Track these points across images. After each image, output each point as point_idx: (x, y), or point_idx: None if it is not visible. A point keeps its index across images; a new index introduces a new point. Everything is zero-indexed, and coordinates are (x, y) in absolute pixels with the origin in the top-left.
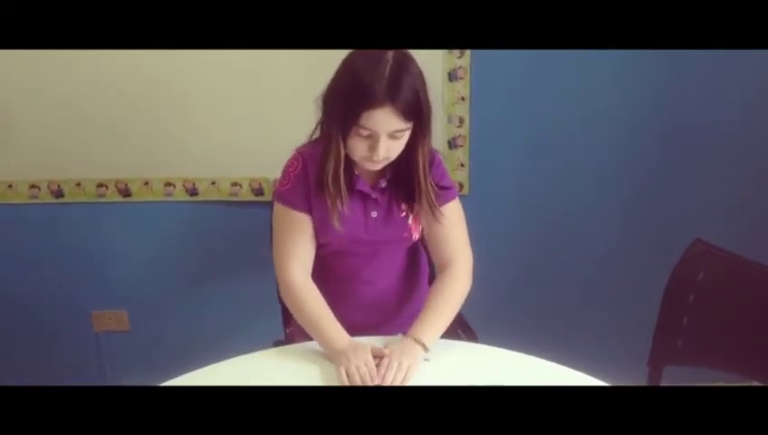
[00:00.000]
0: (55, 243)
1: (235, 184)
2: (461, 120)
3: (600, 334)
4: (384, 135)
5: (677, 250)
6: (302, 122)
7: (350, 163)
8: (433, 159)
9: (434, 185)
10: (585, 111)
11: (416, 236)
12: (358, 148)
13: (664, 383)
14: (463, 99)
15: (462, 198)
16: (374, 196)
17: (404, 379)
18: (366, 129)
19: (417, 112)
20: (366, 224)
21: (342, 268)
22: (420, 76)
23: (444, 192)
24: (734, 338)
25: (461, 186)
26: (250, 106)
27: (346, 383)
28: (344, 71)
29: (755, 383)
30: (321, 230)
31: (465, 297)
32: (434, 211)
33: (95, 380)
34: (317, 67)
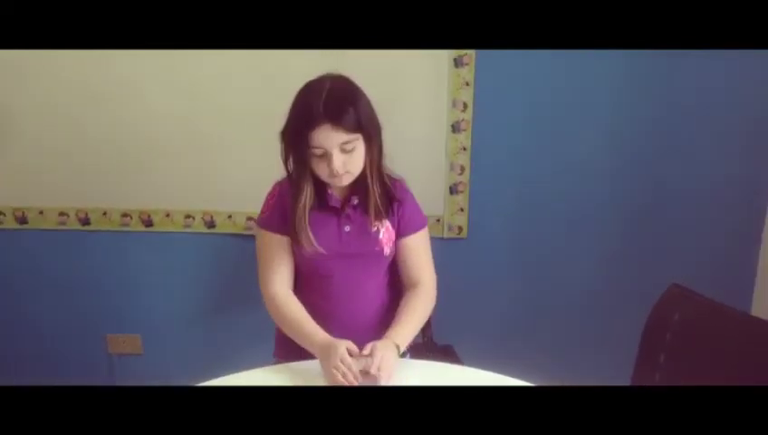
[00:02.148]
0: (80, 267)
1: (249, 218)
2: (462, 169)
3: (590, 372)
4: (335, 149)
5: (658, 294)
6: None
7: (324, 183)
8: (396, 183)
9: (381, 194)
10: (573, 163)
11: (387, 250)
12: (319, 167)
13: None
14: (464, 149)
15: (461, 240)
16: (347, 211)
17: (389, 375)
18: (317, 147)
19: (357, 123)
20: (340, 238)
21: (325, 286)
22: (356, 93)
23: (414, 219)
24: (709, 375)
25: (460, 229)
26: (265, 148)
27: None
28: (293, 104)
29: None
30: (300, 247)
31: (429, 312)
32: (382, 213)
33: None
34: None
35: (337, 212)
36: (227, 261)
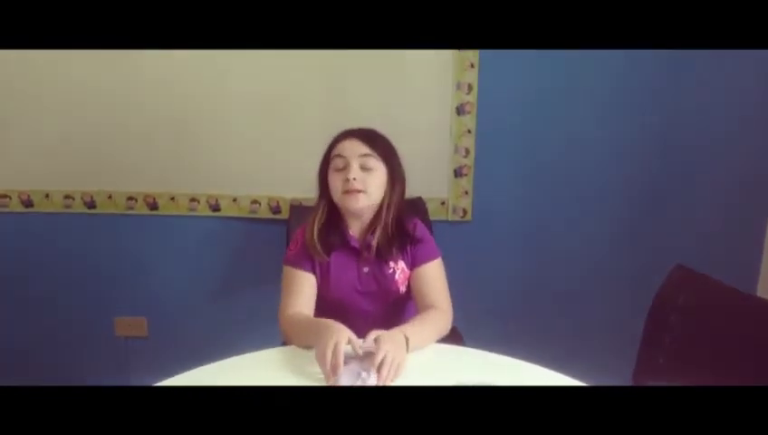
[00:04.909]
0: (84, 250)
1: (254, 202)
2: (467, 151)
3: (594, 354)
4: (354, 160)
5: (663, 276)
6: (318, 149)
7: (344, 224)
8: (412, 221)
9: (395, 233)
10: (578, 146)
11: (402, 289)
12: (336, 182)
13: None
14: (469, 132)
15: (466, 223)
16: (365, 254)
17: (396, 374)
18: (340, 156)
19: (381, 147)
20: (359, 278)
21: (341, 315)
22: (388, 139)
23: (426, 251)
24: (714, 356)
25: (465, 212)
26: (270, 132)
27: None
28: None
29: None
30: (324, 284)
31: (444, 332)
32: (394, 251)
33: (115, 380)
34: (335, 98)
35: (357, 254)
36: (232, 244)
